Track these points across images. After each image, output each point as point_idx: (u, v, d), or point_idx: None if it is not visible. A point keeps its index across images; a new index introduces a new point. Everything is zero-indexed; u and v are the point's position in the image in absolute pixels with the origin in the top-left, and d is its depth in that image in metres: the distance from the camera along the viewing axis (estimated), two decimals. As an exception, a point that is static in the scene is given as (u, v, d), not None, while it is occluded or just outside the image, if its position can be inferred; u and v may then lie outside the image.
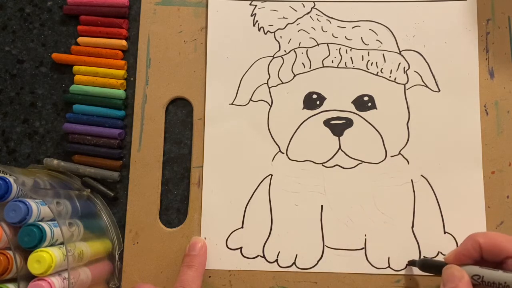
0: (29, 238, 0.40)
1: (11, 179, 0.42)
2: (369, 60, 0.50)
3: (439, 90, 0.50)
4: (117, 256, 0.49)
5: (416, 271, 0.47)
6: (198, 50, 0.52)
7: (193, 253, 0.47)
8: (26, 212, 0.41)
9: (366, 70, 0.50)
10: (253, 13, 0.52)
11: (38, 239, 0.40)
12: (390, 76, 0.50)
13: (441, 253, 0.48)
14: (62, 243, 0.42)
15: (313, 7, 0.51)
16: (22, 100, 0.53)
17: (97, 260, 0.47)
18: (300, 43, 0.51)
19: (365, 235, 0.48)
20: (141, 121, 0.51)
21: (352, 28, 0.51)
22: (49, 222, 0.42)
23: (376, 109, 0.50)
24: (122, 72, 0.51)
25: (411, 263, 0.47)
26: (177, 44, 0.52)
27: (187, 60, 0.52)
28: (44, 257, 0.39)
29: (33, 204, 0.41)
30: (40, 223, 0.41)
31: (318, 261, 0.48)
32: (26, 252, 0.41)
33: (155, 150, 0.51)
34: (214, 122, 0.50)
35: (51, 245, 0.42)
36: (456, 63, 0.50)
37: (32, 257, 0.40)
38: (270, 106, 0.50)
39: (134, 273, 0.49)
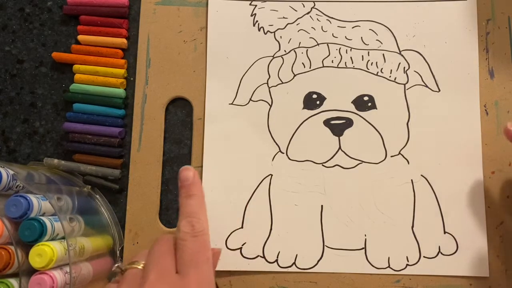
0: (29, 232, 0.41)
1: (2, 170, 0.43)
2: (369, 60, 0.50)
3: (439, 90, 0.50)
4: (118, 253, 0.49)
5: (416, 271, 0.47)
6: (198, 50, 0.52)
7: (187, 183, 0.42)
8: (27, 207, 0.41)
9: (366, 70, 0.50)
10: (253, 13, 0.52)
11: (38, 233, 0.40)
12: (390, 76, 0.50)
13: (441, 253, 0.48)
14: (63, 238, 0.43)
15: (313, 7, 0.51)
16: (22, 100, 0.53)
17: (99, 256, 0.47)
18: (300, 43, 0.51)
19: (365, 235, 0.48)
20: (141, 121, 0.51)
21: (352, 28, 0.51)
22: (50, 217, 0.42)
23: (376, 109, 0.50)
24: (122, 71, 0.51)
25: None
26: (177, 44, 0.52)
27: (187, 60, 0.52)
28: (45, 251, 0.40)
29: (34, 199, 0.42)
30: (41, 217, 0.41)
31: (318, 261, 0.48)
32: (27, 247, 0.41)
33: (155, 150, 0.51)
34: (214, 122, 0.50)
35: (52, 239, 0.42)
36: (456, 63, 0.50)
37: (34, 250, 0.40)
38: (270, 106, 0.50)
39: (133, 273, 0.49)
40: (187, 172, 0.43)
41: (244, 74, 0.51)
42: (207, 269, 0.39)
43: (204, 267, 0.39)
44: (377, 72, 0.50)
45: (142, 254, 0.41)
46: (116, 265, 0.41)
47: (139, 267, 0.39)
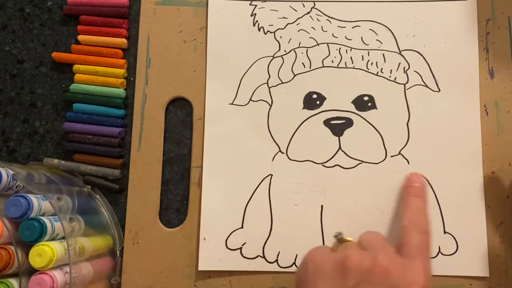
0: (29, 232, 0.41)
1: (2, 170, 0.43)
2: (369, 60, 0.50)
3: (439, 90, 0.50)
4: (118, 252, 0.49)
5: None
6: (198, 50, 0.52)
7: (417, 185, 0.47)
8: (27, 207, 0.41)
9: (366, 70, 0.50)
10: (253, 13, 0.52)
11: (38, 233, 0.41)
12: (390, 76, 0.50)
13: (441, 253, 0.48)
14: (63, 238, 0.43)
15: (313, 7, 0.51)
16: (22, 100, 0.53)
17: (99, 256, 0.47)
18: (300, 43, 0.51)
19: (365, 235, 0.48)
20: (141, 121, 0.51)
21: (352, 28, 0.51)
22: (50, 217, 0.42)
23: (376, 109, 0.50)
24: (122, 71, 0.51)
25: None
26: (177, 44, 0.52)
27: (187, 60, 0.52)
28: (46, 251, 0.40)
29: (34, 199, 0.42)
30: (41, 217, 0.41)
31: (318, 261, 0.48)
32: (27, 247, 0.41)
33: (155, 150, 0.51)
34: (214, 122, 0.50)
35: (52, 239, 0.42)
36: (456, 63, 0.50)
37: (34, 250, 0.40)
38: (270, 106, 0.50)
39: (134, 273, 0.49)
40: (416, 177, 0.48)
41: (244, 74, 0.51)
42: (430, 264, 0.41)
43: (428, 260, 0.41)
44: (377, 72, 0.50)
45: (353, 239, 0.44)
46: (337, 232, 0.43)
47: (354, 242, 0.43)
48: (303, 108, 0.50)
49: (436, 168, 0.49)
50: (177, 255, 0.49)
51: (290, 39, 0.51)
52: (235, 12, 0.52)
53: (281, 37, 0.51)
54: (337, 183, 0.49)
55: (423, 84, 0.50)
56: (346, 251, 0.40)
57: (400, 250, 0.41)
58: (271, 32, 0.51)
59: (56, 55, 0.53)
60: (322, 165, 0.49)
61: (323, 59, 0.50)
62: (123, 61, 0.52)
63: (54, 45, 0.54)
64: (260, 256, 0.48)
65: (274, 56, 0.51)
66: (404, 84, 0.50)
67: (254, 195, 0.49)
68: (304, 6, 0.51)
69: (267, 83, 0.51)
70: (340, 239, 0.43)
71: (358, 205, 0.49)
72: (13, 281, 0.41)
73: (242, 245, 0.48)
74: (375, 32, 0.51)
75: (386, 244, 0.41)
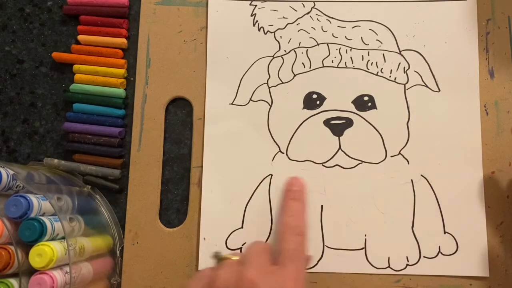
0: (29, 232, 0.41)
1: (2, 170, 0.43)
2: (369, 60, 0.50)
3: (439, 90, 0.50)
4: (118, 252, 0.49)
5: (416, 271, 0.47)
6: (198, 50, 0.52)
7: (294, 188, 0.47)
8: (27, 207, 0.41)
9: (366, 70, 0.50)
10: (253, 13, 0.52)
11: (39, 233, 0.41)
12: (390, 76, 0.50)
13: (441, 253, 0.48)
14: (63, 238, 0.43)
15: (313, 7, 0.51)
16: (22, 100, 0.53)
17: (99, 256, 0.47)
18: (300, 43, 0.51)
19: (365, 235, 0.48)
20: (141, 121, 0.51)
21: (352, 28, 0.51)
22: (50, 217, 0.42)
23: (376, 109, 0.50)
24: (122, 71, 0.51)
25: None
26: (177, 44, 0.52)
27: (187, 60, 0.52)
28: (46, 251, 0.40)
29: (34, 199, 0.42)
30: (41, 217, 0.41)
31: (318, 261, 0.48)
32: (27, 247, 0.41)
33: (155, 150, 0.51)
34: (214, 122, 0.50)
35: (52, 239, 0.42)
36: (456, 63, 0.50)
37: (34, 250, 0.40)
38: (270, 106, 0.50)
39: (134, 273, 0.49)
40: (296, 180, 0.48)
41: (244, 74, 0.51)
42: (304, 267, 0.42)
43: (302, 264, 0.42)
44: (377, 72, 0.50)
45: (235, 253, 0.44)
46: (215, 252, 0.43)
47: (234, 258, 0.42)
48: (303, 108, 0.50)
49: (436, 168, 0.49)
50: (177, 255, 0.49)
51: (290, 39, 0.51)
52: (235, 12, 0.52)
53: (281, 37, 0.51)
54: (337, 183, 0.49)
55: (423, 84, 0.50)
56: (217, 271, 0.40)
57: (279, 256, 0.42)
58: (271, 32, 0.51)
59: (56, 55, 0.53)
60: (322, 165, 0.49)
61: (323, 59, 0.50)
62: (123, 61, 0.52)
63: (54, 45, 0.54)
64: (260, 256, 0.48)
65: (274, 56, 0.51)
66: (404, 84, 0.50)
67: (254, 195, 0.49)
68: (304, 6, 0.51)
69: (267, 83, 0.51)
70: (219, 258, 0.43)
71: (358, 205, 0.49)
72: (13, 281, 0.41)
73: (242, 245, 0.48)
74: (375, 32, 0.51)
75: (261, 255, 0.41)
